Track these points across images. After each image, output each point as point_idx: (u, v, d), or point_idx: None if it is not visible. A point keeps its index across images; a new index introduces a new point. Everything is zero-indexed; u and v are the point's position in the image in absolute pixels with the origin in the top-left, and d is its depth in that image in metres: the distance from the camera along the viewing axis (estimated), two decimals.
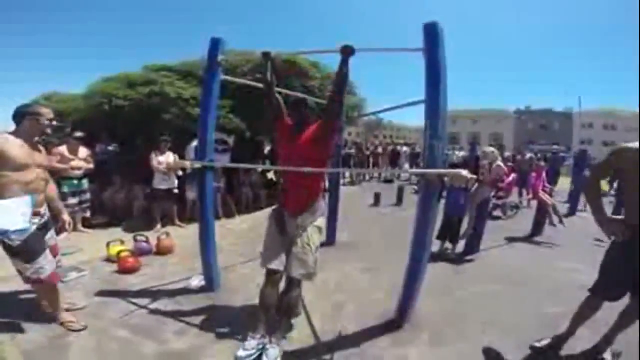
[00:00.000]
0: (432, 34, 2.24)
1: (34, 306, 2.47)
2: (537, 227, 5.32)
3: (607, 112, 35.77)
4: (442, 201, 5.14)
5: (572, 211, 7.13)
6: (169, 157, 5.13)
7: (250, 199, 6.53)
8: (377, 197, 7.06)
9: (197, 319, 2.46)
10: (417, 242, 2.47)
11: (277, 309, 2.19)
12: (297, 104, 2.28)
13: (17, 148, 2.06)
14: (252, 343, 2.05)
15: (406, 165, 12.81)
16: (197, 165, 2.76)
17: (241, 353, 2.01)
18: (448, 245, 4.42)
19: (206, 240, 2.86)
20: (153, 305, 2.61)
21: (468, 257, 4.23)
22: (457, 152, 13.19)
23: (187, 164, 2.79)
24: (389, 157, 12.01)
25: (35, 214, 2.17)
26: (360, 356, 2.18)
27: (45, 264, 2.16)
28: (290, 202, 2.23)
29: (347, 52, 2.13)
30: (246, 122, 6.07)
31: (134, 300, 2.68)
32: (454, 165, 11.14)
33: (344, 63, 2.14)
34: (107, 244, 3.54)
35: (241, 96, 6.04)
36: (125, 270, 3.18)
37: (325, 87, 6.41)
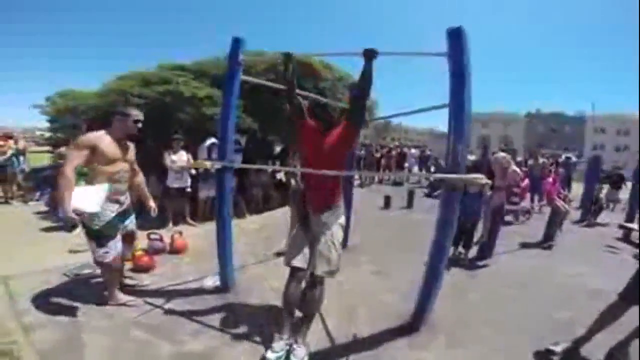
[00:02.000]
0: (456, 39, 2.23)
1: (49, 304, 2.51)
2: (549, 234, 5.25)
3: (621, 117, 35.19)
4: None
5: (584, 217, 7.02)
6: (182, 156, 5.17)
7: (260, 200, 6.55)
8: (387, 200, 7.03)
9: (213, 320, 2.47)
10: (437, 247, 2.47)
11: (300, 308, 2.20)
12: (324, 108, 2.34)
13: (108, 145, 2.41)
14: (280, 344, 2.06)
15: (415, 168, 12.76)
16: (218, 165, 2.76)
17: (270, 355, 2.01)
18: (461, 250, 4.38)
19: (223, 241, 2.87)
20: (168, 306, 2.62)
21: (481, 263, 4.19)
22: (467, 156, 13.07)
23: (208, 164, 2.79)
24: (396, 159, 11.96)
25: (116, 201, 2.51)
26: (377, 354, 2.20)
27: (112, 248, 2.46)
28: (314, 201, 2.26)
29: (369, 55, 2.16)
30: (258, 122, 6.09)
31: (149, 299, 2.69)
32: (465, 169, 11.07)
33: (367, 66, 2.17)
34: None
35: (253, 96, 6.06)
36: (139, 269, 3.20)
37: (337, 88, 6.41)
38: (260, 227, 5.32)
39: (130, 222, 2.74)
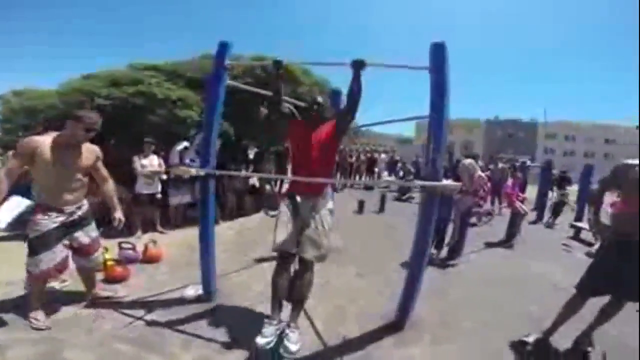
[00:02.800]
0: (439, 54, 2.36)
1: (18, 320, 2.31)
2: (511, 234, 5.65)
3: (568, 124, 38.82)
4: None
5: (539, 218, 7.62)
6: (153, 161, 4.96)
7: (234, 205, 6.43)
8: (361, 205, 7.19)
9: (200, 329, 2.39)
10: (419, 249, 2.59)
11: (290, 293, 2.21)
12: (314, 107, 2.38)
13: (49, 149, 2.19)
14: (270, 330, 2.05)
15: (385, 173, 13.14)
16: (202, 173, 2.69)
17: (260, 341, 2.00)
18: (433, 251, 4.60)
19: (206, 248, 2.80)
20: (150, 317, 2.50)
21: (452, 262, 4.42)
22: None
23: (193, 171, 2.71)
24: (366, 165, 12.26)
25: (58, 211, 2.30)
26: (367, 358, 2.25)
27: (45, 260, 2.25)
28: (304, 186, 2.31)
29: (357, 66, 2.24)
30: (233, 126, 5.99)
31: (128, 311, 2.56)
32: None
33: (356, 76, 2.25)
34: None
35: (227, 99, 5.96)
36: (113, 280, 3.03)
37: (312, 92, 6.47)
38: (237, 233, 5.23)
39: (84, 234, 2.48)
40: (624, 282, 2.24)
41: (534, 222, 7.47)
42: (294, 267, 2.38)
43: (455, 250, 4.56)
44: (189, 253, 4.07)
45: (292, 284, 2.22)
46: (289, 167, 2.63)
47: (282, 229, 2.26)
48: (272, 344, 2.00)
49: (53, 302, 2.57)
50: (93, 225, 2.58)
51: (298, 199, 2.30)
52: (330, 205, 2.39)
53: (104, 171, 2.64)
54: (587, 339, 2.51)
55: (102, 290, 2.79)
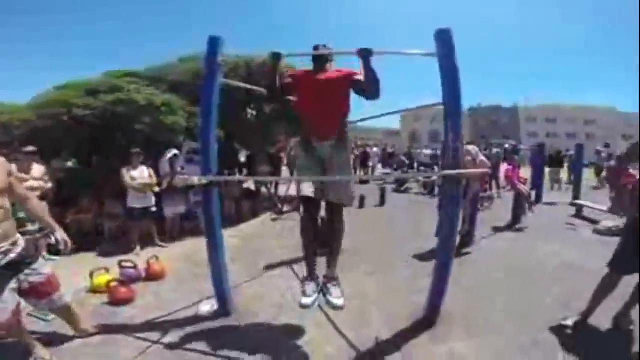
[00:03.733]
0: (447, 40, 2.30)
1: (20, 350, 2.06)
2: (517, 216, 5.63)
3: (549, 107, 39.86)
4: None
5: (538, 199, 7.68)
6: (143, 173, 4.67)
7: (232, 212, 6.19)
8: (362, 200, 7.05)
9: (224, 349, 2.19)
10: (446, 241, 2.49)
11: (324, 242, 2.14)
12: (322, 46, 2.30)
13: None
14: (311, 287, 1.97)
15: (379, 166, 13.13)
16: (204, 181, 2.48)
17: (305, 301, 1.92)
18: None
19: (217, 261, 2.59)
20: (167, 340, 2.28)
21: (465, 250, 4.34)
22: (424, 151, 13.75)
23: (195, 179, 2.47)
24: (359, 159, 12.17)
25: None
26: (407, 356, 2.15)
27: None
28: (320, 129, 2.21)
29: (365, 54, 2.14)
30: (222, 129, 5.74)
31: (141, 335, 2.33)
32: (423, 165, 11.63)
33: (367, 65, 2.15)
34: (91, 274, 3.08)
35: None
36: (118, 302, 2.78)
37: None
38: (241, 240, 5.00)
39: (34, 273, 2.01)
40: None
41: (534, 203, 7.50)
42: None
43: (467, 237, 4.49)
44: (192, 266, 3.85)
45: (326, 230, 2.16)
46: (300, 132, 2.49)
47: (303, 174, 2.20)
48: (317, 302, 1.94)
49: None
50: (42, 261, 2.14)
51: (315, 143, 2.21)
52: (349, 151, 2.33)
53: (21, 189, 2.16)
54: (626, 318, 2.45)
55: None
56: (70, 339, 2.26)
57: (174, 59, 6.24)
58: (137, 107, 4.78)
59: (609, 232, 5.03)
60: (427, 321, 2.52)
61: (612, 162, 2.99)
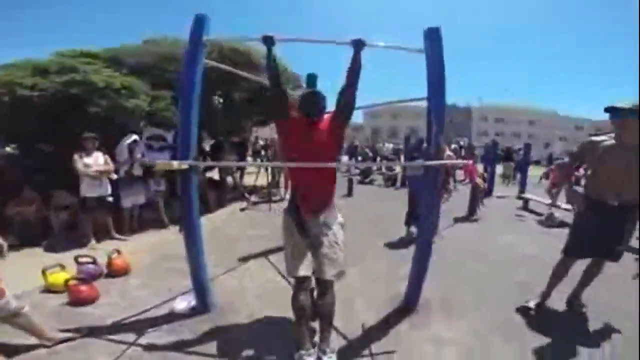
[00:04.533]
0: (435, 38, 2.37)
1: None
2: (473, 208, 6.05)
3: (498, 108, 42.99)
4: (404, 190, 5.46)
5: (489, 193, 8.30)
6: (98, 159, 4.26)
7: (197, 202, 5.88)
8: None
9: (208, 349, 2.07)
10: (426, 228, 2.62)
11: (316, 316, 2.04)
12: (316, 97, 2.09)
13: None
14: (314, 358, 1.86)
15: (345, 157, 13.29)
16: (185, 165, 2.31)
17: None
18: (413, 230, 4.71)
19: (196, 253, 2.45)
20: (144, 341, 2.10)
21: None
22: (386, 145, 14.19)
23: (174, 164, 2.27)
24: None
25: None
26: (396, 344, 2.21)
27: None
28: (311, 202, 2.10)
29: (358, 45, 2.10)
30: None
31: (114, 337, 2.13)
32: (386, 158, 12.01)
33: (357, 57, 2.10)
34: (43, 272, 2.75)
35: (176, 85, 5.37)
36: (80, 302, 2.52)
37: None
38: (209, 232, 4.75)
39: None
40: (603, 243, 2.48)
41: (486, 195, 8.11)
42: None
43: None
44: (158, 260, 3.62)
45: (318, 307, 2.03)
46: (283, 174, 2.35)
47: (293, 253, 2.05)
48: None
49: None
50: None
51: (305, 217, 2.08)
52: (340, 218, 2.20)
53: None
54: (578, 300, 2.74)
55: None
56: (34, 347, 2.01)
57: (136, 41, 5.74)
58: (94, 89, 4.32)
59: (553, 224, 5.61)
60: (408, 307, 2.62)
61: (565, 159, 3.33)
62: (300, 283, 2.01)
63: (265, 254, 3.82)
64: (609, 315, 2.57)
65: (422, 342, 2.24)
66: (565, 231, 2.79)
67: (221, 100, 6.45)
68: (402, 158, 10.51)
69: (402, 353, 2.11)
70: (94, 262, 3.08)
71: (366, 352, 2.13)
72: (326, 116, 2.15)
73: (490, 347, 2.22)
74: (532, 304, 2.69)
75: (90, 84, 4.35)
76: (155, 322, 2.32)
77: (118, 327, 2.27)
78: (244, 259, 3.63)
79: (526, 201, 7.01)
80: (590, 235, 2.51)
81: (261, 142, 12.31)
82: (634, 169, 2.34)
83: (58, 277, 2.71)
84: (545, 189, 6.74)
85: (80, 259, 3.06)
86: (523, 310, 2.66)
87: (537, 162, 9.93)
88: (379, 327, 2.40)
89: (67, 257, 3.45)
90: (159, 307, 2.53)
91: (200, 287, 2.48)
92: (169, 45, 5.48)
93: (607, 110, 2.48)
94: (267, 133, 13.98)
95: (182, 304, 2.49)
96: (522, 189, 7.75)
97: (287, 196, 7.09)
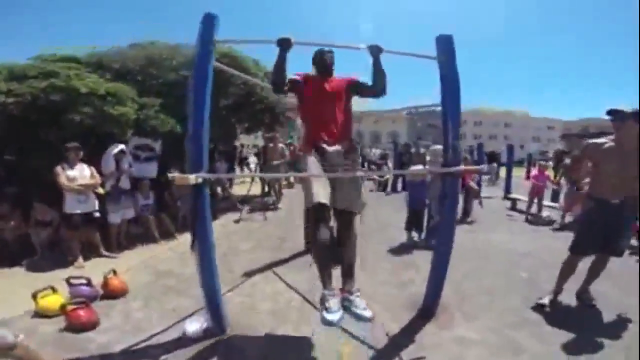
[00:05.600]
0: (449, 46, 2.41)
1: None
2: (467, 210, 6.15)
3: (477, 111, 44.47)
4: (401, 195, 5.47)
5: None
6: (84, 171, 3.98)
7: (188, 214, 5.61)
8: None
9: None
10: (445, 233, 2.58)
11: (339, 252, 2.03)
12: (329, 53, 2.30)
13: None
14: (334, 301, 1.84)
15: None
16: (200, 180, 2.14)
17: (331, 317, 1.78)
18: (414, 234, 4.71)
19: (209, 271, 2.27)
20: None
21: (433, 243, 4.56)
22: (373, 150, 14.28)
23: (191, 177, 2.10)
24: None
25: None
26: (422, 348, 2.18)
27: None
28: (330, 134, 2.16)
29: (375, 51, 2.18)
30: (180, 124, 5.22)
31: None
32: (373, 163, 12.04)
33: (377, 62, 2.18)
34: (34, 295, 2.49)
35: (170, 93, 5.17)
36: (81, 327, 2.29)
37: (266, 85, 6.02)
38: None
39: None
40: (607, 239, 2.58)
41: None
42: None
43: (434, 232, 4.73)
44: (156, 278, 3.40)
45: (341, 241, 2.06)
46: (303, 133, 2.39)
47: (316, 182, 2.04)
48: (342, 317, 1.82)
49: None
50: None
51: (326, 149, 2.13)
52: (358, 153, 2.32)
53: None
54: (587, 294, 2.82)
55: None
56: None
57: (122, 45, 5.48)
58: (77, 96, 4.04)
59: (542, 222, 5.80)
60: (428, 311, 2.59)
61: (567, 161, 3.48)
62: (321, 213, 1.99)
63: (269, 266, 3.68)
64: (618, 308, 2.66)
65: (448, 345, 2.22)
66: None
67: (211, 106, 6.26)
68: (390, 163, 10.61)
69: (432, 356, 2.08)
70: (89, 283, 2.84)
71: (397, 358, 2.07)
72: (342, 77, 2.31)
73: (514, 343, 2.24)
74: (546, 301, 2.74)
75: (72, 90, 4.07)
76: (167, 347, 2.14)
77: (128, 354, 2.08)
78: (248, 274, 3.46)
79: (514, 201, 7.21)
80: (595, 232, 2.60)
81: (248, 150, 12.08)
82: (633, 168, 2.45)
83: (51, 301, 2.47)
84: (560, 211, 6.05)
85: (73, 280, 2.81)
86: (538, 308, 2.71)
87: (520, 163, 10.30)
88: (404, 334, 2.36)
89: (52, 277, 3.22)
90: (167, 331, 2.34)
91: (215, 308, 2.30)
92: (157, 50, 5.25)
93: (609, 112, 2.59)
94: (250, 140, 13.79)
95: (194, 326, 2.31)
96: (508, 190, 7.98)
97: (281, 205, 7.01)
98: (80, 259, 3.81)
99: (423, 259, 3.87)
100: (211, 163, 6.59)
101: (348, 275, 1.99)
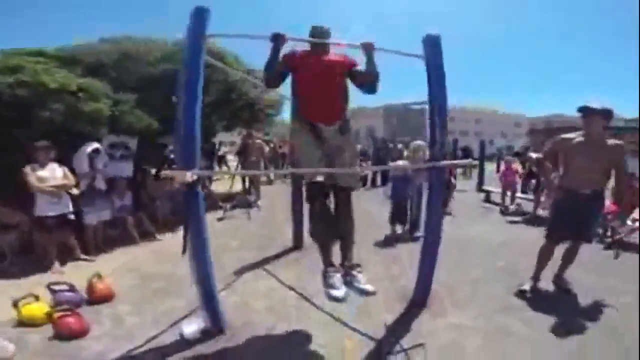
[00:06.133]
0: (436, 45, 2.50)
1: None
2: (445, 202, 6.38)
3: (449, 108, 45.33)
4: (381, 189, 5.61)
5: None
6: (55, 171, 3.74)
7: (167, 213, 5.44)
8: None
9: None
10: (433, 225, 2.72)
11: (338, 229, 2.08)
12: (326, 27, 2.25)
13: None
14: (337, 278, 1.90)
15: None
16: (195, 177, 2.09)
17: (336, 293, 1.84)
18: (397, 227, 4.84)
19: (205, 270, 2.24)
20: None
21: (417, 235, 4.72)
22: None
23: (187, 174, 2.04)
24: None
25: None
26: (419, 335, 2.27)
27: None
28: (324, 111, 2.15)
29: (369, 48, 2.19)
30: (157, 120, 5.03)
31: None
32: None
33: (370, 59, 2.20)
34: (15, 304, 2.34)
35: (147, 88, 4.97)
36: (70, 335, 2.17)
37: (246, 81, 5.92)
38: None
39: None
40: (578, 227, 2.80)
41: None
42: None
43: (416, 224, 4.90)
44: (142, 281, 3.29)
45: (339, 218, 2.09)
46: (296, 107, 2.38)
47: (309, 160, 2.07)
48: (348, 293, 1.87)
49: None
50: None
51: (320, 126, 2.13)
52: (351, 130, 2.33)
53: None
54: (562, 279, 3.04)
55: None
56: None
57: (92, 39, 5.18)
58: (46, 91, 3.79)
59: (514, 213, 6.15)
60: (420, 301, 2.69)
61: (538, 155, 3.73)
62: (317, 191, 2.03)
63: (258, 264, 3.65)
64: (592, 291, 2.89)
65: (443, 332, 2.34)
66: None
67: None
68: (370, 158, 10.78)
69: (431, 344, 2.17)
70: (72, 288, 2.69)
71: (397, 348, 2.14)
72: (338, 55, 2.27)
73: (503, 328, 2.39)
74: (527, 287, 2.93)
75: (40, 85, 3.81)
76: (166, 352, 2.08)
77: None
78: (239, 272, 3.42)
79: (488, 194, 7.58)
80: (566, 220, 2.81)
81: (225, 148, 11.85)
82: (600, 160, 2.67)
83: (34, 309, 2.33)
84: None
85: (55, 287, 2.66)
86: (520, 294, 2.89)
87: (491, 158, 10.86)
88: (401, 324, 2.44)
89: (28, 283, 3.07)
90: (163, 334, 2.27)
91: (211, 306, 2.27)
92: (133, 44, 5.02)
93: (579, 109, 2.79)
94: (227, 137, 13.48)
95: (191, 327, 2.25)
96: (481, 182, 8.38)
97: (261, 202, 6.93)
98: (57, 264, 3.61)
99: (409, 251, 4.00)
100: None
101: (347, 249, 2.04)
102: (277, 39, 2.06)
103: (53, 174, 3.71)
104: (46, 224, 3.62)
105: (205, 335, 2.23)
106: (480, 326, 2.40)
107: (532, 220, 5.57)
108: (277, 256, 3.95)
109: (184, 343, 2.17)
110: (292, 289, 3.00)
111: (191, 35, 2.13)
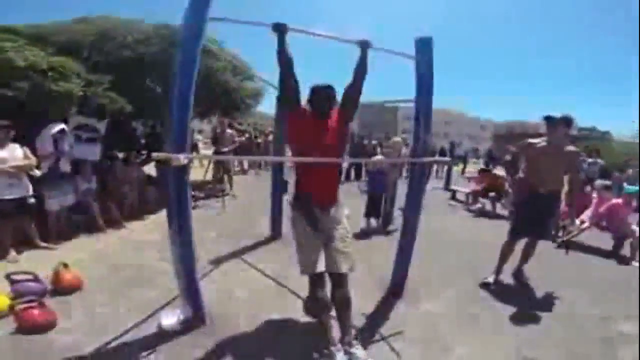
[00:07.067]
0: (427, 47, 2.60)
1: None
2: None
3: None
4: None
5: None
6: (15, 151, 3.46)
7: (136, 200, 5.19)
8: (284, 185, 6.97)
9: None
10: (411, 218, 2.84)
11: (338, 311, 2.03)
12: (328, 92, 2.11)
13: None
14: (340, 356, 1.85)
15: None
16: (186, 160, 2.03)
17: None
18: (372, 221, 4.97)
19: (188, 258, 2.19)
20: None
21: (390, 228, 4.91)
22: None
23: (180, 157, 1.95)
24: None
25: None
26: (396, 322, 2.40)
27: None
28: (322, 196, 2.13)
29: (366, 45, 2.21)
30: (130, 102, 4.78)
31: None
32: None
33: (364, 56, 2.21)
34: None
35: (123, 72, 4.70)
36: (37, 329, 2.04)
37: (228, 69, 5.76)
38: (162, 235, 4.27)
39: None
40: (539, 225, 3.06)
41: None
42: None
43: (389, 217, 5.07)
44: (112, 271, 3.14)
45: (339, 301, 2.03)
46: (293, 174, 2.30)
47: (307, 249, 2.04)
48: None
49: None
50: None
51: (316, 210, 2.09)
52: (346, 211, 2.28)
53: None
54: (521, 273, 3.32)
55: None
56: None
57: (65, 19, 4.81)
58: (13, 69, 3.50)
59: (478, 213, 6.54)
60: (397, 290, 2.82)
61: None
62: (319, 279, 2.01)
63: (235, 254, 3.62)
64: (546, 285, 3.19)
65: (419, 319, 2.49)
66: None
67: (161, 86, 5.77)
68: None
69: (408, 331, 2.30)
70: (36, 278, 2.52)
71: (377, 336, 2.24)
72: (333, 112, 2.17)
73: (472, 316, 2.59)
74: (490, 280, 3.18)
75: (8, 63, 3.51)
76: (146, 344, 2.01)
77: (103, 356, 1.91)
78: (216, 262, 3.37)
79: (454, 192, 7.97)
80: (527, 218, 3.06)
81: (197, 136, 11.44)
82: (559, 163, 2.93)
83: None
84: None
85: (15, 277, 2.47)
86: (484, 286, 3.13)
87: (460, 158, 11.36)
88: (379, 312, 2.56)
89: None
90: (141, 326, 2.20)
91: (194, 298, 2.23)
92: (111, 25, 4.72)
93: (545, 118, 3.04)
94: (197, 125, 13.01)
95: (171, 319, 2.19)
96: (448, 181, 8.79)
97: (236, 192, 6.80)
98: (13, 252, 3.35)
99: (384, 243, 4.18)
100: (156, 147, 6.20)
101: (347, 327, 2.00)
102: (279, 28, 2.03)
103: (12, 154, 3.42)
104: (3, 209, 3.34)
105: (185, 326, 2.18)
106: (453, 313, 2.62)
107: (493, 216, 6.05)
108: (254, 246, 3.94)
109: (162, 334, 2.11)
110: (272, 279, 3.01)
111: (192, 17, 2.03)
